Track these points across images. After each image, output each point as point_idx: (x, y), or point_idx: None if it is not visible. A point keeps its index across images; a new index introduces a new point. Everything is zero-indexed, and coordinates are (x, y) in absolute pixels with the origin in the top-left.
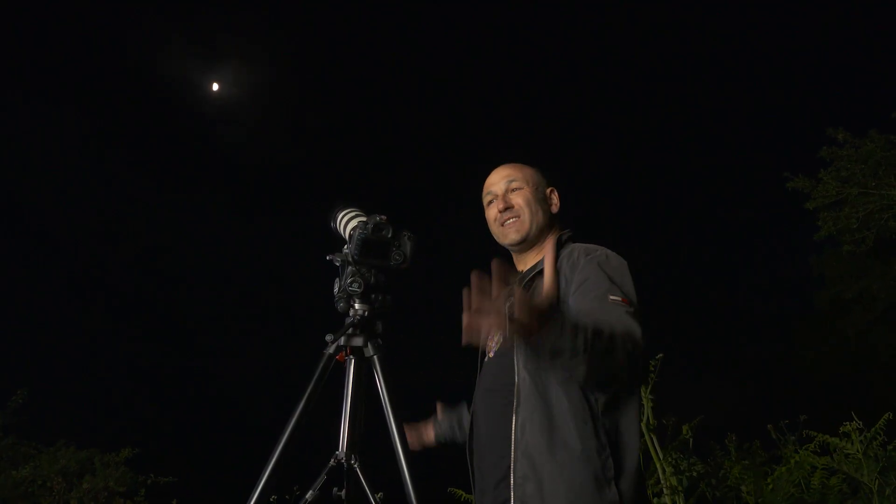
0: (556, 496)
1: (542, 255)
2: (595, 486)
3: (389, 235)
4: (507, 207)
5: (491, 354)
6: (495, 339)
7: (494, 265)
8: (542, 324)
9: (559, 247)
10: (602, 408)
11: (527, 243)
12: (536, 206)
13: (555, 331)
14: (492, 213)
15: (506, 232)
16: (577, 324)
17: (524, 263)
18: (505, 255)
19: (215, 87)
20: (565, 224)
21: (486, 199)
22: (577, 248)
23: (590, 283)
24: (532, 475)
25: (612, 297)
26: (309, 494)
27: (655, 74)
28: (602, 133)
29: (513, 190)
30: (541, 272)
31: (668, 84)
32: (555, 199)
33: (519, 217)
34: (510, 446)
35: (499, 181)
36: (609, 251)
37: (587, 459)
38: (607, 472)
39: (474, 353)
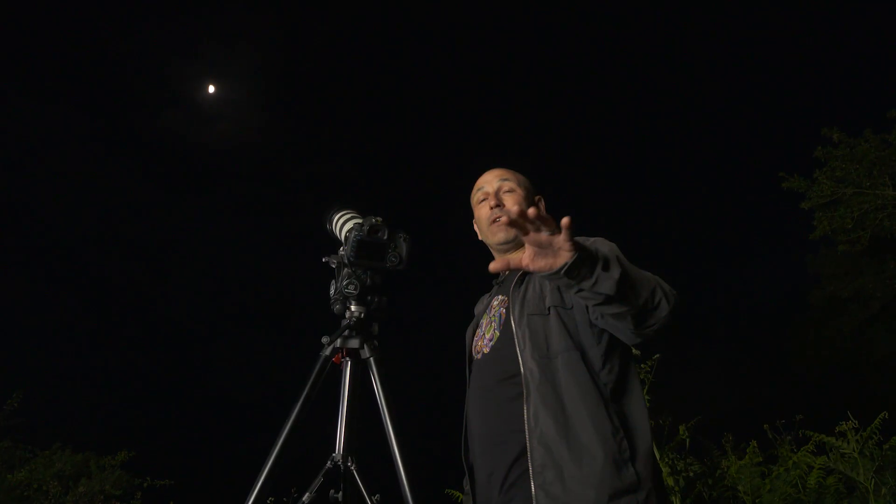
0: (576, 480)
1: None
2: (614, 467)
3: (385, 237)
4: (499, 205)
5: (487, 350)
6: (486, 337)
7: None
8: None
9: None
10: (610, 393)
11: (514, 244)
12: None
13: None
14: (483, 211)
15: (495, 231)
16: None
17: None
18: (490, 257)
19: (211, 89)
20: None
21: (476, 197)
22: None
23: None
24: (550, 462)
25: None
26: (306, 497)
27: (652, 75)
28: (598, 133)
29: (506, 191)
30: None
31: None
32: (542, 207)
33: None
34: (524, 436)
35: (492, 180)
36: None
37: (603, 442)
38: (623, 454)
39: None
